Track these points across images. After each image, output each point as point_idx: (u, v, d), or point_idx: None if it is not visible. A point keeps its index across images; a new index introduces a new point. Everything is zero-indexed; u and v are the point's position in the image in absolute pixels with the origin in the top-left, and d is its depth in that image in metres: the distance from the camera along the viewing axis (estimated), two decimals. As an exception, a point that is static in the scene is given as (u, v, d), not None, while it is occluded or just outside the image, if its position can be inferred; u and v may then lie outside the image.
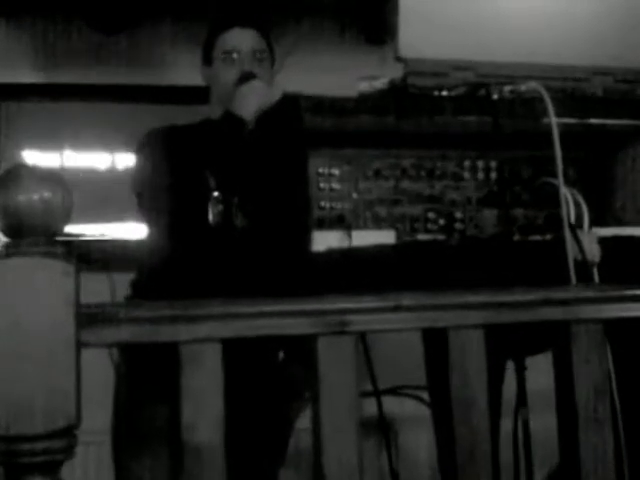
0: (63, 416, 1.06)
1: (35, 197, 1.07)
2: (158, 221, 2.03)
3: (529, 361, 2.08)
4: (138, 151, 2.15)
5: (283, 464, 2.21)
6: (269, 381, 2.13)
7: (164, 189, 2.03)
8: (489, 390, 1.31)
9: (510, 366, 2.14)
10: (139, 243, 2.21)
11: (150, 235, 2.10)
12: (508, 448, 2.14)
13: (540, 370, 1.92)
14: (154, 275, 2.05)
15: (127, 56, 3.63)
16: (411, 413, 2.82)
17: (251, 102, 2.00)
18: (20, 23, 3.56)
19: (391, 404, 2.56)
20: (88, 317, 1.09)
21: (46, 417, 1.05)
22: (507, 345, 2.01)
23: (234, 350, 1.18)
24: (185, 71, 3.04)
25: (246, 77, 2.06)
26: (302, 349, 2.08)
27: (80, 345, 1.07)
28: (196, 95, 2.36)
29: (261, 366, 2.09)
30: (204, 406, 1.15)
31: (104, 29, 3.61)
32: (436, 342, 1.35)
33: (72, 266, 1.07)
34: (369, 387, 2.31)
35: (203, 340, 1.15)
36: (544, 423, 1.85)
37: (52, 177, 1.11)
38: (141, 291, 2.07)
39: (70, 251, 1.08)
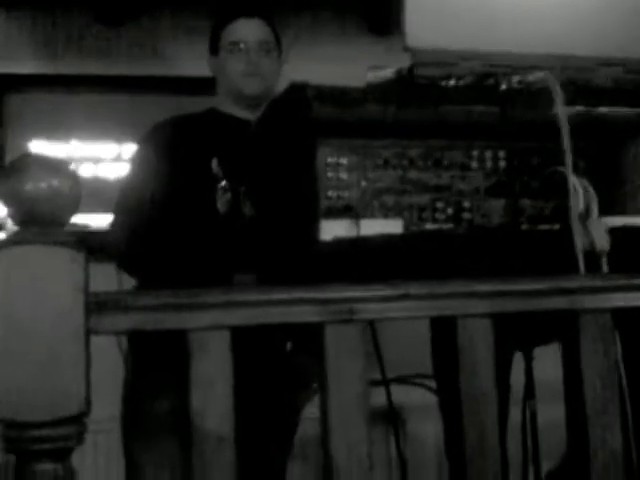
0: (73, 403, 1.06)
1: (43, 185, 1.07)
2: (164, 211, 2.03)
3: (537, 352, 2.08)
4: (143, 142, 2.15)
5: (290, 453, 2.21)
6: (277, 371, 2.14)
7: (171, 178, 2.03)
8: (497, 380, 1.31)
9: (517, 357, 2.14)
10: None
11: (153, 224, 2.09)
12: (516, 438, 2.14)
13: (548, 361, 1.92)
14: (161, 264, 2.05)
15: (133, 47, 3.63)
16: (418, 401, 2.82)
17: None
18: (25, 15, 3.56)
19: (398, 392, 2.57)
20: (97, 304, 1.09)
21: (56, 404, 1.05)
22: (515, 336, 2.01)
23: (242, 340, 1.18)
24: (190, 62, 3.04)
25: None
26: (310, 339, 2.09)
27: (89, 332, 1.08)
28: (201, 86, 2.36)
29: (269, 356, 2.10)
30: (213, 394, 1.15)
31: (109, 21, 3.62)
32: (443, 331, 1.35)
33: (81, 254, 1.07)
34: (377, 376, 2.31)
35: (211, 328, 1.15)
36: (552, 413, 1.84)
37: (60, 166, 1.11)
38: (147, 281, 2.07)
39: (79, 239, 1.08)
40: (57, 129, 3.60)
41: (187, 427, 1.14)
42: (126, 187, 2.13)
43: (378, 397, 2.30)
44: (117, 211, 2.10)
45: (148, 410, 2.01)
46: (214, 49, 2.19)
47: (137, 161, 2.15)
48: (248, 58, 2.11)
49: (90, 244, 1.16)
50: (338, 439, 1.21)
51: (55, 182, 1.08)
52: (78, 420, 1.07)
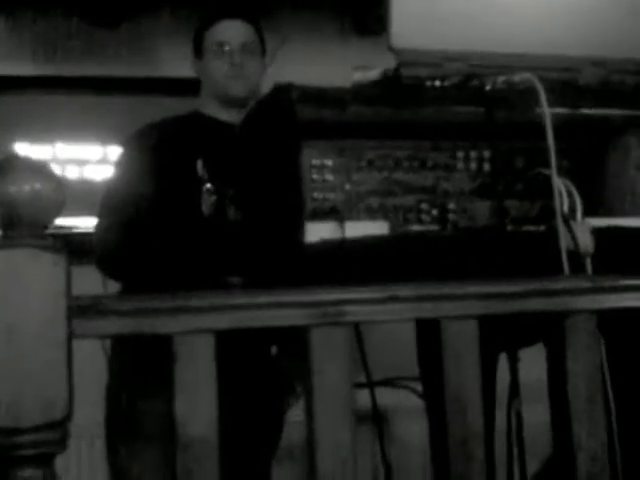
0: (55, 408, 1.05)
1: (26, 188, 1.06)
2: (148, 213, 2.03)
3: (522, 352, 2.08)
4: (128, 144, 2.14)
5: (274, 456, 2.21)
6: (262, 375, 2.13)
7: (156, 181, 2.02)
8: (483, 381, 1.31)
9: (502, 358, 2.14)
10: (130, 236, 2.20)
11: (137, 227, 2.08)
12: (501, 439, 2.14)
13: (533, 361, 1.92)
14: (145, 267, 2.04)
15: (119, 48, 3.62)
16: (404, 403, 2.82)
17: None
18: (13, 15, 3.54)
19: (384, 394, 2.57)
20: (79, 309, 1.08)
21: (38, 409, 1.04)
22: (500, 337, 2.01)
23: (227, 344, 1.18)
24: (178, 63, 3.03)
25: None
26: (294, 343, 2.09)
27: (71, 337, 1.07)
28: (189, 87, 2.35)
29: (254, 360, 2.09)
30: (198, 399, 1.15)
31: (98, 22, 3.60)
32: (429, 333, 1.35)
33: (62, 257, 1.06)
34: (363, 378, 2.31)
35: (196, 332, 1.15)
36: (537, 414, 1.85)
37: (43, 169, 1.11)
38: (132, 284, 2.06)
39: (61, 242, 1.08)
40: (42, 131, 3.58)
41: (172, 432, 1.13)
42: (112, 189, 2.12)
43: (364, 399, 2.30)
44: (103, 213, 2.09)
45: (132, 414, 2.00)
46: (198, 51, 2.19)
47: (122, 164, 2.14)
48: (232, 60, 2.11)
49: (75, 246, 1.16)
50: (323, 442, 1.21)
51: (38, 185, 1.08)
52: (61, 425, 1.06)
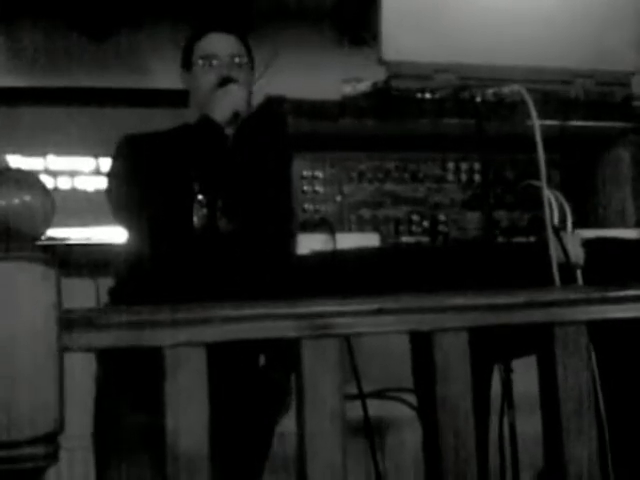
0: (46, 422, 1.05)
1: (16, 201, 1.06)
2: (140, 225, 2.03)
3: (522, 361, 2.08)
4: (117, 155, 2.14)
5: (264, 468, 2.21)
6: (250, 386, 2.13)
7: (147, 193, 2.02)
8: (476, 393, 1.31)
9: (496, 368, 2.14)
10: (120, 248, 2.21)
11: (131, 240, 2.10)
12: (495, 450, 2.14)
13: (528, 372, 1.92)
14: (137, 279, 2.04)
15: (111, 60, 3.63)
16: (399, 414, 2.82)
17: (227, 106, 2.02)
18: (3, 27, 3.54)
19: (379, 405, 2.57)
20: (70, 322, 1.08)
21: (28, 423, 1.04)
22: (495, 348, 2.02)
23: (215, 355, 1.18)
24: (169, 74, 3.04)
25: (225, 81, 2.08)
26: (283, 353, 2.09)
27: (62, 350, 1.07)
28: (180, 98, 2.36)
29: (242, 371, 2.09)
30: (188, 411, 1.15)
31: (89, 33, 3.61)
32: (422, 344, 1.35)
33: (53, 270, 1.06)
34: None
35: (186, 344, 1.15)
36: (532, 424, 1.85)
37: (32, 180, 1.11)
38: (120, 298, 2.06)
39: (51, 255, 1.08)
40: (33, 143, 3.58)
41: (161, 445, 1.13)
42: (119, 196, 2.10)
43: (359, 410, 2.30)
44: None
45: (122, 428, 1.99)
46: (187, 64, 2.20)
47: (118, 174, 2.13)
48: (220, 72, 2.12)
49: (67, 258, 1.16)
50: (314, 454, 1.21)
51: (27, 197, 1.08)
52: (52, 439, 1.06)
